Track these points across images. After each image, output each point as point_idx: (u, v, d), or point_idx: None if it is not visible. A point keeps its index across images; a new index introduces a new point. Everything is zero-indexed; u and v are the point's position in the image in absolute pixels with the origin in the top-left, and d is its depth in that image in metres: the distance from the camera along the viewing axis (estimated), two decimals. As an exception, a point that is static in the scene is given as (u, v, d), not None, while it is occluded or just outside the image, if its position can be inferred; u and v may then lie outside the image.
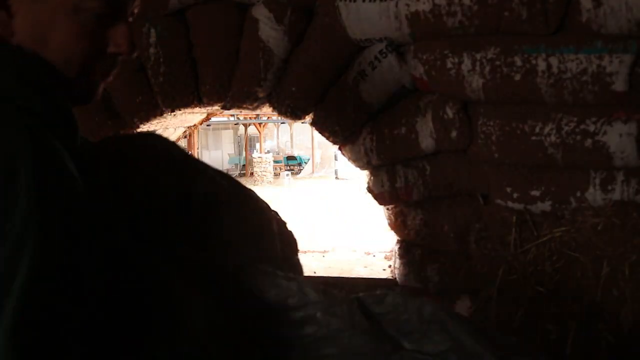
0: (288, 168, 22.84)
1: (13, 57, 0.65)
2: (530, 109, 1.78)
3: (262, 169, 20.15)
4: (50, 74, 0.67)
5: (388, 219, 2.21)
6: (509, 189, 1.87)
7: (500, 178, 1.89)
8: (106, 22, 0.70)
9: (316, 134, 2.23)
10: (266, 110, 2.26)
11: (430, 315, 0.83)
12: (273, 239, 1.00)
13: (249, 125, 22.39)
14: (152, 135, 1.11)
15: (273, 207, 1.08)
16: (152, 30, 2.07)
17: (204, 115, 2.70)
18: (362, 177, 2.23)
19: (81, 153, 0.68)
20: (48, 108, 0.65)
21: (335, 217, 10.13)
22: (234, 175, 2.14)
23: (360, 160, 2.12)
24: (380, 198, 2.14)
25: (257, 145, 23.13)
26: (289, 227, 1.08)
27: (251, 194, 1.03)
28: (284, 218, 1.08)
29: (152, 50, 2.08)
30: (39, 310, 0.53)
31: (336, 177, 20.22)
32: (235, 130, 25.85)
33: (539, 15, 1.63)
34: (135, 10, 0.75)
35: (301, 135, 24.89)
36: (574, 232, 1.78)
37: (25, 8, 0.65)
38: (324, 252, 3.34)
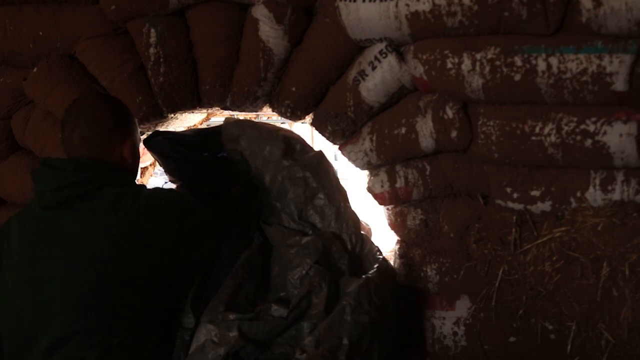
0: (288, 168, 22.71)
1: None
2: (530, 109, 1.78)
3: (262, 169, 20.04)
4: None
5: (388, 219, 2.20)
6: (509, 189, 1.87)
7: (500, 178, 1.89)
8: None
9: (316, 133, 2.23)
10: (266, 110, 2.26)
11: None
12: None
13: (249, 125, 22.28)
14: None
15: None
16: (152, 30, 2.06)
17: (204, 116, 2.70)
18: (362, 177, 2.23)
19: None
20: None
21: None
22: (234, 175, 2.16)
23: (360, 160, 2.12)
24: (380, 198, 2.14)
25: (257, 145, 23.00)
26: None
27: None
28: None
29: (152, 50, 2.07)
30: None
31: (336, 177, 20.16)
32: (235, 131, 25.74)
33: (539, 15, 1.63)
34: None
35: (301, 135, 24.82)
36: (574, 232, 1.78)
37: None
38: (324, 252, 3.31)
